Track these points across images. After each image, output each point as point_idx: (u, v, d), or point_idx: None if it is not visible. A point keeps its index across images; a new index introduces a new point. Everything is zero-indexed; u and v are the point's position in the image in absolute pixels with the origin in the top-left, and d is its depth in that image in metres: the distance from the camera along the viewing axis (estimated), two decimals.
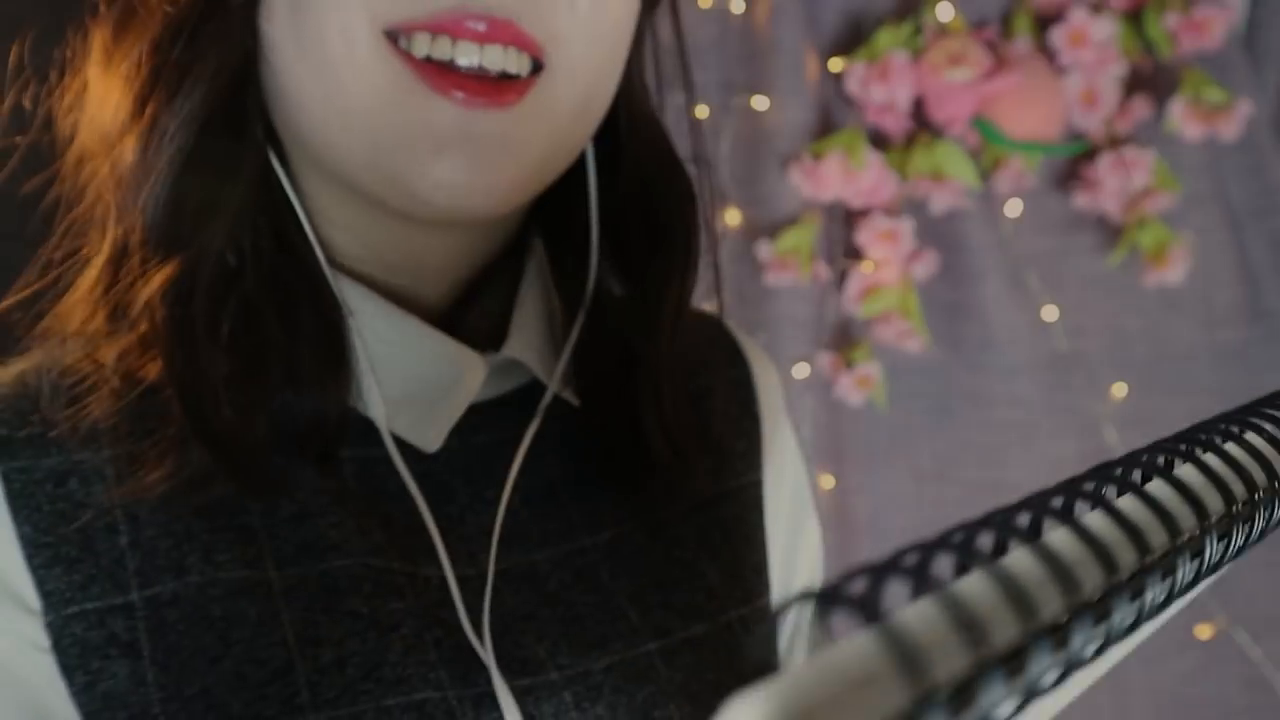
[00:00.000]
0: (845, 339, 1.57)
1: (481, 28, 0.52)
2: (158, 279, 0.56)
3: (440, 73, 0.53)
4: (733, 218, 1.53)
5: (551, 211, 0.66)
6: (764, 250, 1.51)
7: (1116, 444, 1.56)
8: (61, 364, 0.58)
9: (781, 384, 0.78)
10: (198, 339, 0.56)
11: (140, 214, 0.56)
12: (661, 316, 0.65)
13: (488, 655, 0.58)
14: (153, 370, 0.56)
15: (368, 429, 0.60)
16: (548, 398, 0.64)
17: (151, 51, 0.57)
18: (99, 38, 0.60)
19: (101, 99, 0.59)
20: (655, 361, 0.65)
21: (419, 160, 0.54)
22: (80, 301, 0.60)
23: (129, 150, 0.57)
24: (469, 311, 0.64)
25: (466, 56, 0.53)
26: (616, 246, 0.66)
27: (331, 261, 0.60)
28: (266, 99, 0.59)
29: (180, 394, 0.55)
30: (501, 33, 0.53)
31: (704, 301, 0.78)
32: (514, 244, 0.66)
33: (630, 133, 0.64)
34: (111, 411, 0.56)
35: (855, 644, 0.22)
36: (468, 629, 0.58)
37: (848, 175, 1.48)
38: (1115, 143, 1.52)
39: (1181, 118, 1.50)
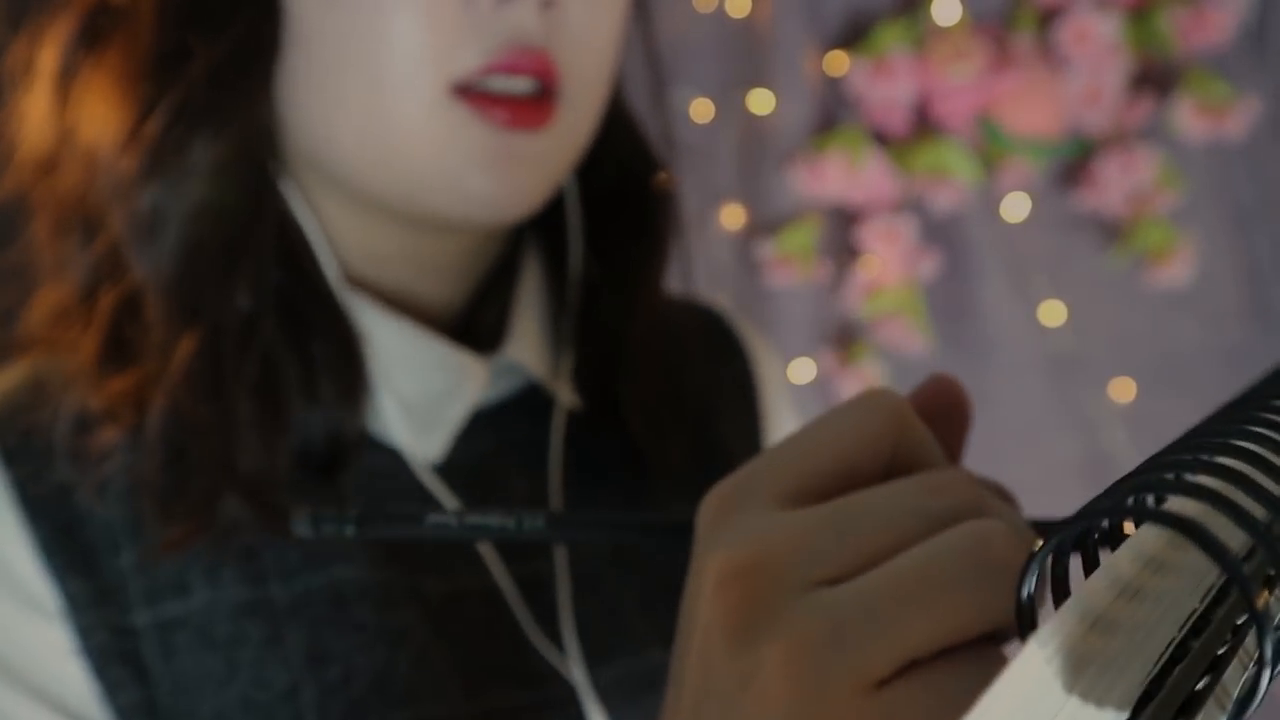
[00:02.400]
0: (846, 339, 1.56)
1: (521, 61, 0.54)
2: (186, 344, 0.54)
3: (483, 98, 0.54)
4: (733, 217, 1.52)
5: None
6: (764, 250, 1.50)
7: (1120, 445, 1.55)
8: (57, 384, 0.57)
9: (784, 374, 0.77)
10: (224, 389, 0.55)
11: (157, 270, 0.55)
12: (637, 298, 0.66)
13: (573, 664, 0.58)
14: (158, 406, 0.55)
15: (366, 439, 0.59)
16: (559, 410, 0.64)
17: (162, 88, 0.54)
18: (57, 43, 0.57)
19: (79, 114, 0.56)
20: (631, 342, 0.65)
21: (457, 183, 0.55)
22: (63, 318, 0.58)
23: (138, 190, 0.54)
24: (480, 312, 0.64)
25: (500, 82, 0.54)
26: (599, 234, 0.66)
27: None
28: (283, 128, 0.57)
29: (208, 443, 0.54)
30: (532, 65, 0.54)
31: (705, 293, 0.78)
32: (515, 239, 0.66)
33: (607, 123, 0.64)
34: (118, 445, 0.55)
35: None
36: (534, 635, 0.58)
37: (849, 173, 1.47)
38: (1120, 141, 1.51)
39: (1186, 116, 1.48)
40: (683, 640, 0.33)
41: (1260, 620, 0.21)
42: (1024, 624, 0.26)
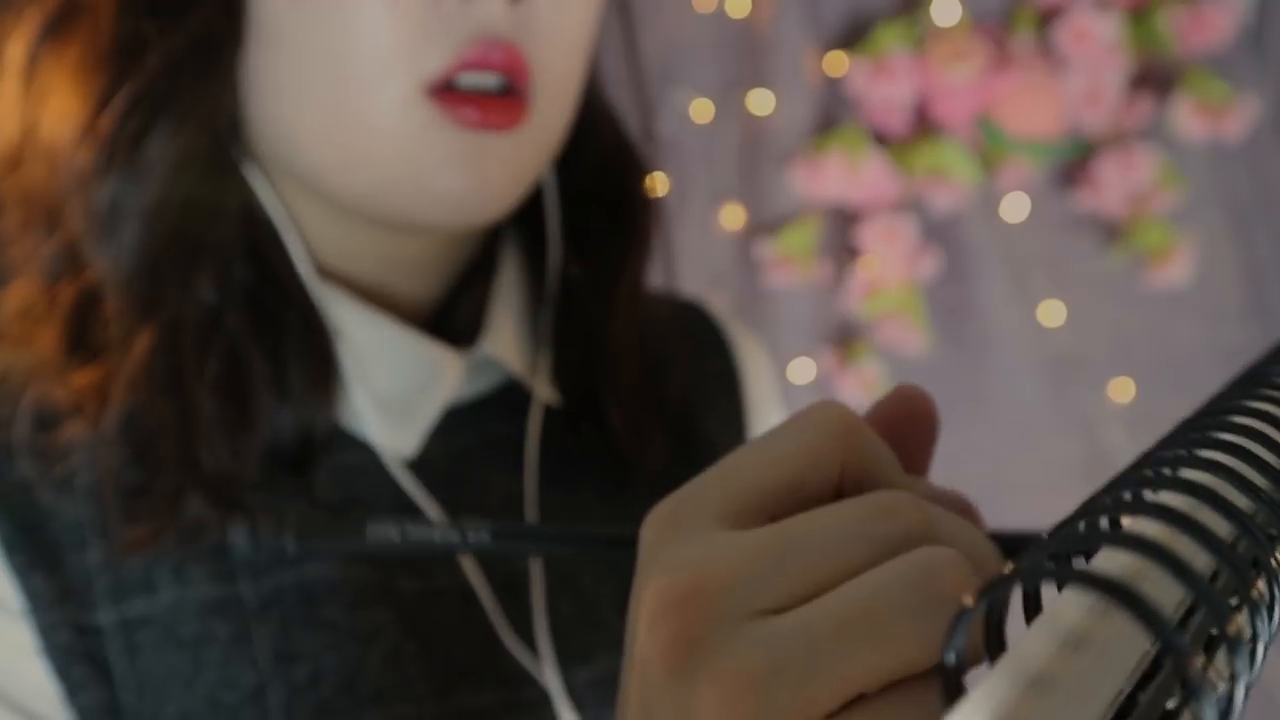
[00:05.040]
0: (846, 339, 1.56)
1: (490, 56, 0.53)
2: (142, 339, 0.53)
3: (454, 96, 0.53)
4: (733, 217, 1.52)
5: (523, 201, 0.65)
6: (764, 250, 1.50)
7: (1120, 445, 1.55)
8: (19, 379, 0.55)
9: (772, 368, 0.76)
10: (184, 385, 0.54)
11: (116, 265, 0.54)
12: (617, 296, 0.65)
13: (546, 666, 0.57)
14: (116, 403, 0.54)
15: (339, 434, 0.58)
16: (536, 406, 0.63)
17: (119, 80, 0.53)
18: (25, 35, 0.56)
19: (40, 107, 0.55)
20: (612, 340, 0.64)
21: (424, 183, 0.54)
22: (28, 314, 0.56)
23: (96, 184, 0.53)
24: (455, 306, 0.63)
25: (469, 79, 0.53)
26: (579, 231, 0.65)
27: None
28: (249, 124, 0.57)
29: (170, 441, 0.53)
30: (502, 60, 0.53)
31: (706, 294, 0.77)
32: (493, 234, 0.65)
33: (586, 119, 0.64)
34: (83, 439, 0.54)
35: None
36: (507, 637, 0.57)
37: (849, 173, 1.47)
38: (1119, 141, 1.51)
39: (1186, 116, 1.49)
40: (626, 666, 0.32)
41: (1196, 692, 0.20)
42: (950, 690, 0.24)
